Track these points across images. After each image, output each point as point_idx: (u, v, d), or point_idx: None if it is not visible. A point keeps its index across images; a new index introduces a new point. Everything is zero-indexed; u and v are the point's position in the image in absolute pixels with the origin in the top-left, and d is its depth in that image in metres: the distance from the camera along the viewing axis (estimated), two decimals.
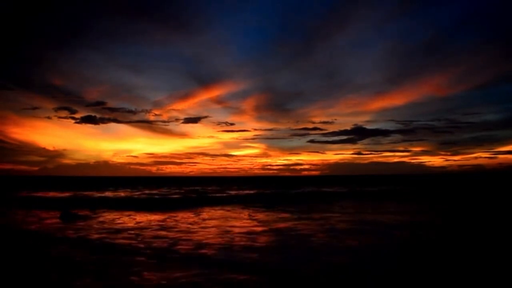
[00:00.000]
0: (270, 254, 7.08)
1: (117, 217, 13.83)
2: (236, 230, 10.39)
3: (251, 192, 33.76)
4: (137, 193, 31.48)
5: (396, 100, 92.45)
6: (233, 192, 33.07)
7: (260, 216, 14.52)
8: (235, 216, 14.35)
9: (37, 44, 78.52)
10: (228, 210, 16.78)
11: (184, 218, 13.42)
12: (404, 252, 7.59)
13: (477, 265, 6.35)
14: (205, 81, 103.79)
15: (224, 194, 30.58)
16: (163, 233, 9.77)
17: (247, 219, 13.35)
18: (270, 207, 18.25)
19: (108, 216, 14.14)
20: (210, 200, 24.64)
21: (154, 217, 13.83)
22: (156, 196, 27.33)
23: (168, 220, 12.96)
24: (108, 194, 29.99)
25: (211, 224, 11.73)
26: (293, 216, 14.16)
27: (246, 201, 23.22)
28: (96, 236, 9.33)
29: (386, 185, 48.53)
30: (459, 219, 13.55)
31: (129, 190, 36.46)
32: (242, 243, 8.30)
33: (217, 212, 16.22)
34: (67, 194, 28.27)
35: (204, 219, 13.17)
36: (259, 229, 10.66)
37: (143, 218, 13.68)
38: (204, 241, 8.46)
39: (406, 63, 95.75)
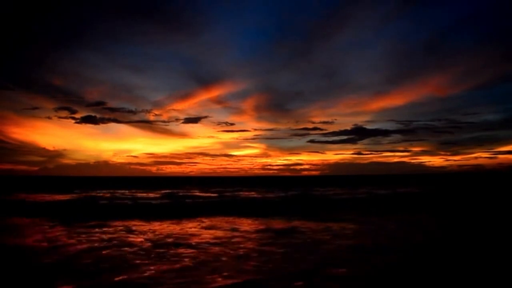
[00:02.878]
0: None
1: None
2: None
3: (254, 195, 32.59)
4: (150, 195, 31.38)
5: (396, 100, 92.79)
6: (229, 194, 32.65)
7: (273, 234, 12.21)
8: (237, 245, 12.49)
9: (37, 44, 78.62)
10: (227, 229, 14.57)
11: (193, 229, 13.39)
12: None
13: None
14: (205, 81, 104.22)
15: (222, 197, 29.68)
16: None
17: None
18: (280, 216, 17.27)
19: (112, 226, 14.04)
20: (207, 206, 22.85)
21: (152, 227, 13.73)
22: (154, 202, 27.02)
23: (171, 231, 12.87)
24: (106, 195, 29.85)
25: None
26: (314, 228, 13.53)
27: (248, 207, 21.66)
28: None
29: (397, 186, 47.06)
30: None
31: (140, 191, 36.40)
32: None
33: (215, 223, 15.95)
34: (66, 197, 28.12)
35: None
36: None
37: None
38: None
39: (406, 63, 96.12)
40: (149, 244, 10.12)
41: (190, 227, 13.69)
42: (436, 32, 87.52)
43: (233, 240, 10.80)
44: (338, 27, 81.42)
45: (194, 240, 10.71)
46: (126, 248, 9.54)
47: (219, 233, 12.19)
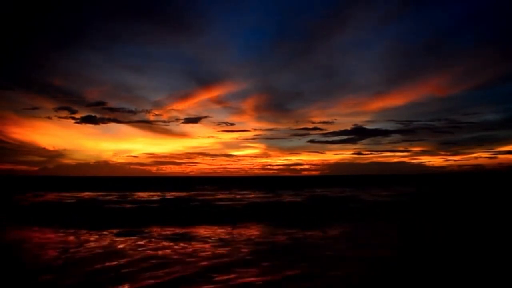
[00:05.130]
0: None
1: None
2: None
3: (258, 199, 30.70)
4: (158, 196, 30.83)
5: (396, 100, 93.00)
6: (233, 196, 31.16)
7: None
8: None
9: (37, 44, 78.61)
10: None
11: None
12: None
13: None
14: (205, 81, 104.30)
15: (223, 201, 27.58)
16: None
17: None
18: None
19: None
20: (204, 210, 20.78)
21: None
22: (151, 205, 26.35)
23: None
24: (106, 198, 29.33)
25: None
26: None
27: (252, 213, 19.55)
28: None
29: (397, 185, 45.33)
30: None
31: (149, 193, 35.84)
32: None
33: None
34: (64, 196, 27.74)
35: None
36: None
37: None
38: None
39: (406, 63, 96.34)
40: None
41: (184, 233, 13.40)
42: (436, 33, 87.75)
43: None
44: (338, 27, 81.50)
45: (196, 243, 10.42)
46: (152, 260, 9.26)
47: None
